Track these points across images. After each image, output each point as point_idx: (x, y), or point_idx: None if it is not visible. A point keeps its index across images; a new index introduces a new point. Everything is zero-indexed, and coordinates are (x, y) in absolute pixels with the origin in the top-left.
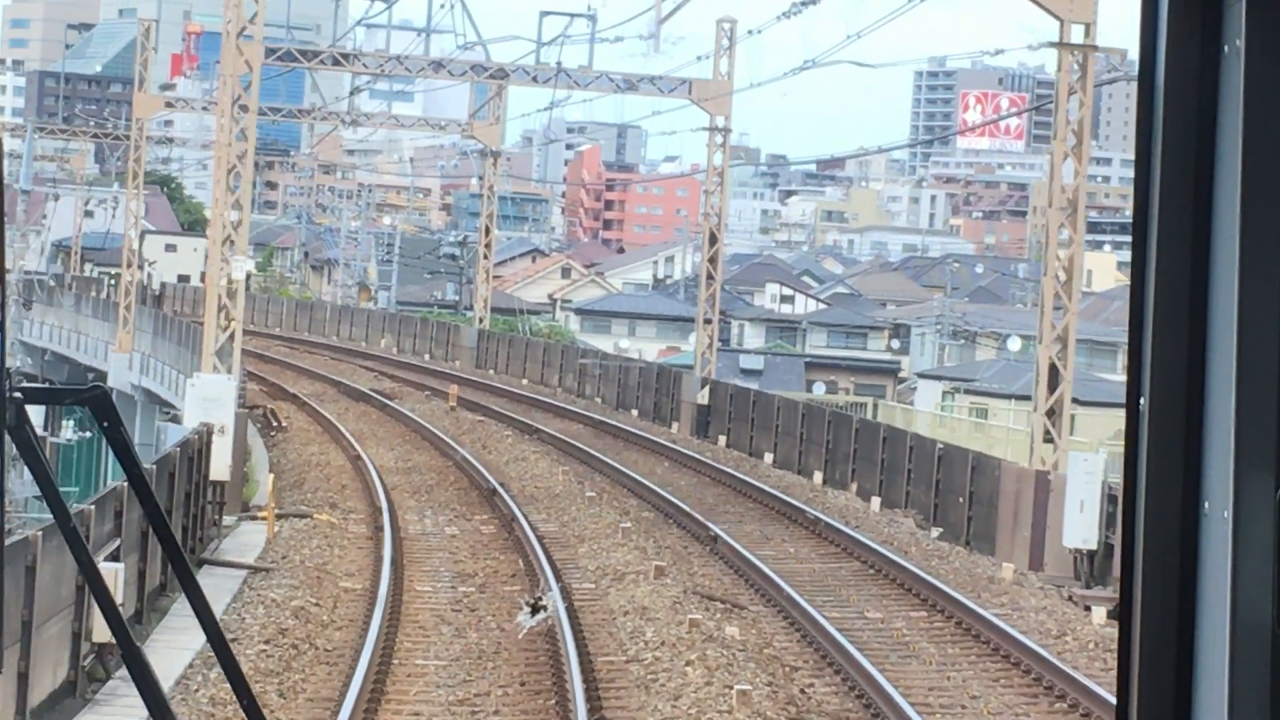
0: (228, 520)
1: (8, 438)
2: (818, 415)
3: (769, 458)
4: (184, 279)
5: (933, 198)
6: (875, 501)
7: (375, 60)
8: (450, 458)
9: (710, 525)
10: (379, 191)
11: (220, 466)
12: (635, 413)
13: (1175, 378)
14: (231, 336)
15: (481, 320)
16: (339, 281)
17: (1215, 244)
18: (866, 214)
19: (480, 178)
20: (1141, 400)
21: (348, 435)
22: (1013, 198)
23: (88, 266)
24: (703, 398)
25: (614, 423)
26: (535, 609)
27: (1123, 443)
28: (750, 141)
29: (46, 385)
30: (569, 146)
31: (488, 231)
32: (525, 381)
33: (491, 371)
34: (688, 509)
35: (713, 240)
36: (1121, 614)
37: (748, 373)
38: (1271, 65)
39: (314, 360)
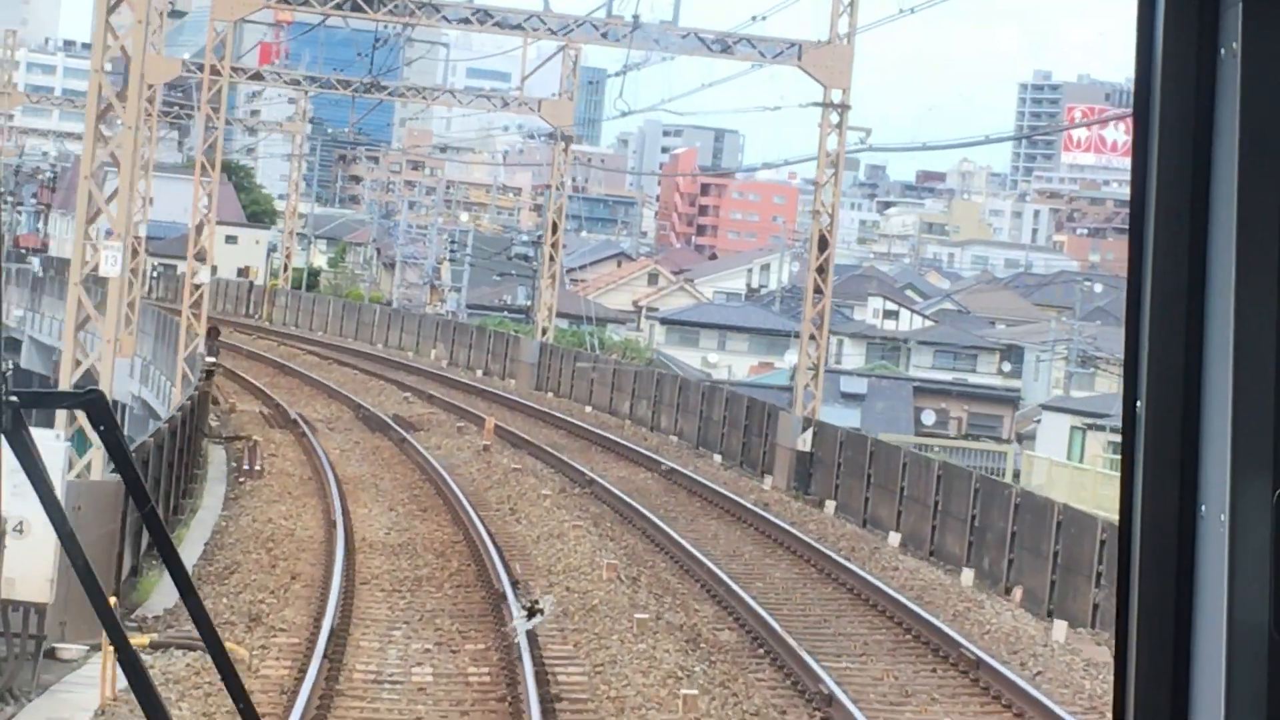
0: (72, 651)
1: (4, 442)
2: (959, 480)
3: (894, 537)
4: (243, 273)
5: (1036, 213)
6: (1059, 628)
7: (404, 5)
8: (462, 527)
9: (819, 673)
10: (466, 189)
11: (30, 580)
12: (719, 458)
13: (1172, 381)
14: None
15: (545, 332)
16: (400, 281)
17: (1212, 247)
18: (968, 227)
19: (550, 165)
20: (1138, 403)
21: (338, 487)
22: (1119, 214)
23: (143, 256)
24: (804, 443)
25: (690, 473)
26: (532, 612)
27: None
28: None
29: (43, 389)
30: (664, 150)
31: (555, 228)
32: (589, 410)
33: (550, 395)
34: (783, 632)
35: (823, 245)
36: (1118, 616)
37: (850, 397)
38: (1268, 68)
39: (341, 375)
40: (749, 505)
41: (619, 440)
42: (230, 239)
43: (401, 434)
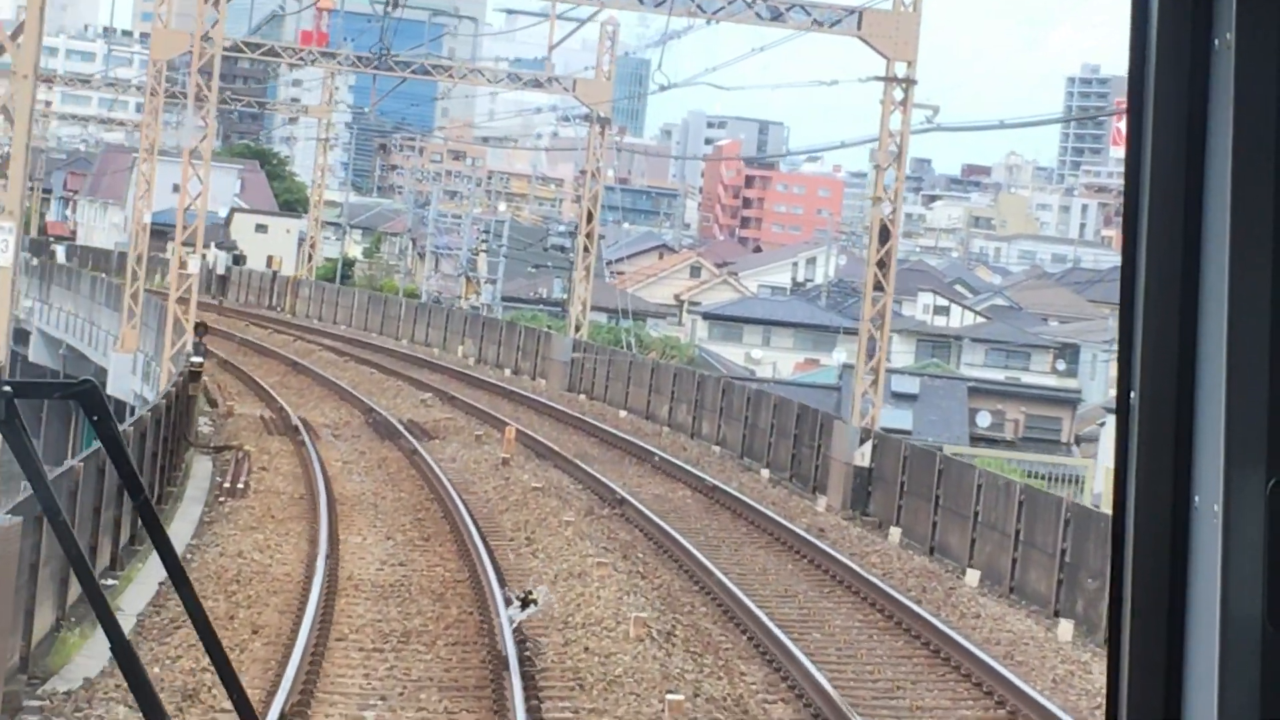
0: None
1: None
2: (1045, 509)
3: (972, 575)
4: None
5: (1084, 207)
6: None
7: None
8: (468, 561)
9: None
10: (507, 179)
11: None
12: (766, 472)
13: (1166, 371)
14: None
15: (579, 329)
16: (429, 273)
17: (1206, 237)
18: (1015, 221)
19: (585, 147)
20: (1132, 394)
21: (331, 509)
22: None
23: (169, 246)
24: (863, 457)
25: (734, 490)
26: (525, 603)
27: None
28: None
29: (37, 379)
30: (708, 141)
31: (590, 217)
32: (625, 414)
33: (583, 398)
34: (846, 709)
35: (884, 236)
36: (1111, 608)
37: (901, 397)
38: (1261, 60)
39: (357, 374)
40: (801, 532)
41: (655, 450)
42: (260, 228)
43: (413, 443)
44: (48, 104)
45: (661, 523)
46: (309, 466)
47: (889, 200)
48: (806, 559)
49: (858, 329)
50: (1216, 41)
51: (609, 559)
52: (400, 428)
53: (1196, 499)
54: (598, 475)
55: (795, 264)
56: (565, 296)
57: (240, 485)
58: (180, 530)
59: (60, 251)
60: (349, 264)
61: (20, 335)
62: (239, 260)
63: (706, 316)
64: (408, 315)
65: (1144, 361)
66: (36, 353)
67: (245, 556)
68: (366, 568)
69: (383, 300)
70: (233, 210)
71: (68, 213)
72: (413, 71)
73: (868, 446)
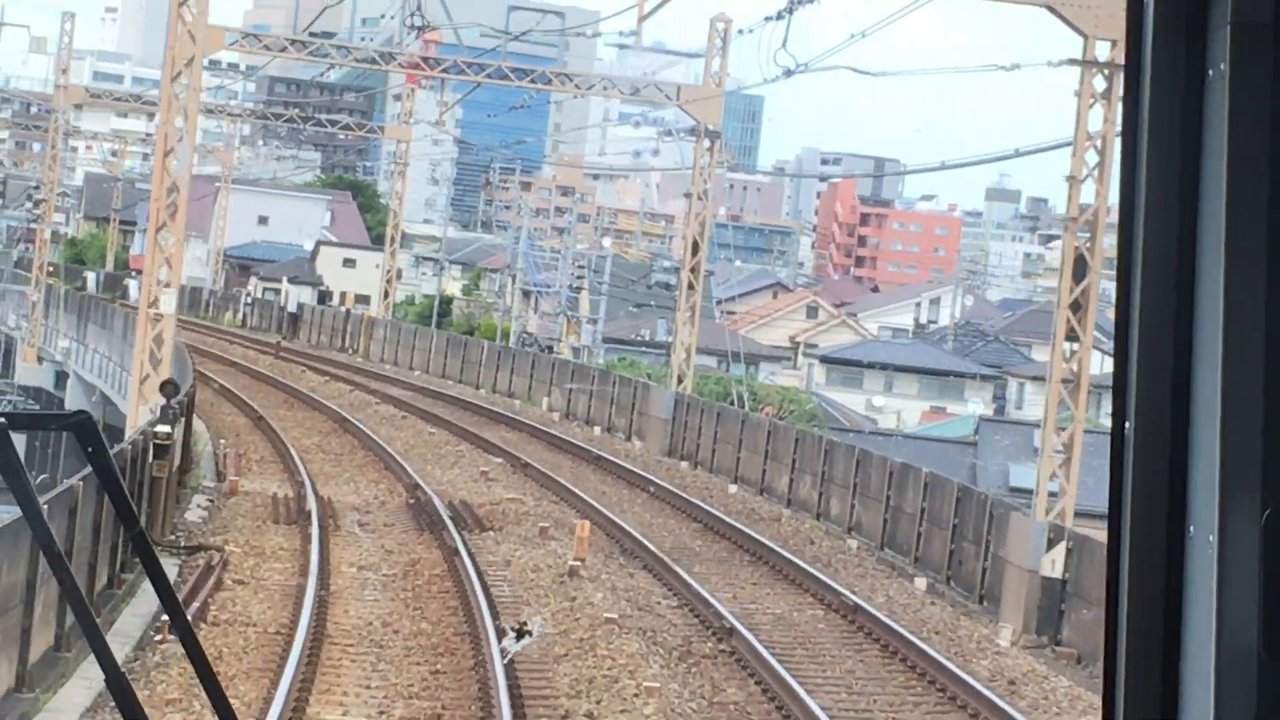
0: None
1: None
2: None
3: None
4: (363, 300)
5: None
6: None
7: None
8: None
9: None
10: (615, 215)
11: None
12: (921, 580)
13: (1160, 401)
14: None
15: (681, 380)
16: (515, 311)
17: (1200, 267)
18: None
19: (693, 167)
20: (1127, 424)
21: (308, 659)
22: None
23: (253, 281)
24: (1052, 565)
25: (882, 615)
26: (520, 634)
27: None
28: (1011, 183)
29: (32, 411)
30: (822, 179)
31: (696, 249)
32: (735, 489)
33: (685, 465)
34: None
35: (1080, 270)
36: (1107, 638)
37: None
38: (1255, 90)
39: (413, 436)
40: (983, 689)
41: (774, 545)
42: (348, 262)
43: (458, 538)
44: (144, 136)
45: (784, 671)
46: (307, 576)
47: (1085, 224)
48: None
49: (989, 375)
50: (1211, 71)
51: None
52: (447, 513)
53: (1192, 529)
54: (698, 586)
55: (918, 304)
56: (669, 339)
57: (192, 625)
58: (61, 709)
59: (132, 287)
60: (446, 302)
61: (61, 378)
62: (324, 297)
63: (824, 360)
64: (489, 360)
65: (1139, 392)
66: (74, 398)
67: None
68: None
69: (462, 344)
70: (319, 243)
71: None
72: (487, 76)
73: (1059, 551)
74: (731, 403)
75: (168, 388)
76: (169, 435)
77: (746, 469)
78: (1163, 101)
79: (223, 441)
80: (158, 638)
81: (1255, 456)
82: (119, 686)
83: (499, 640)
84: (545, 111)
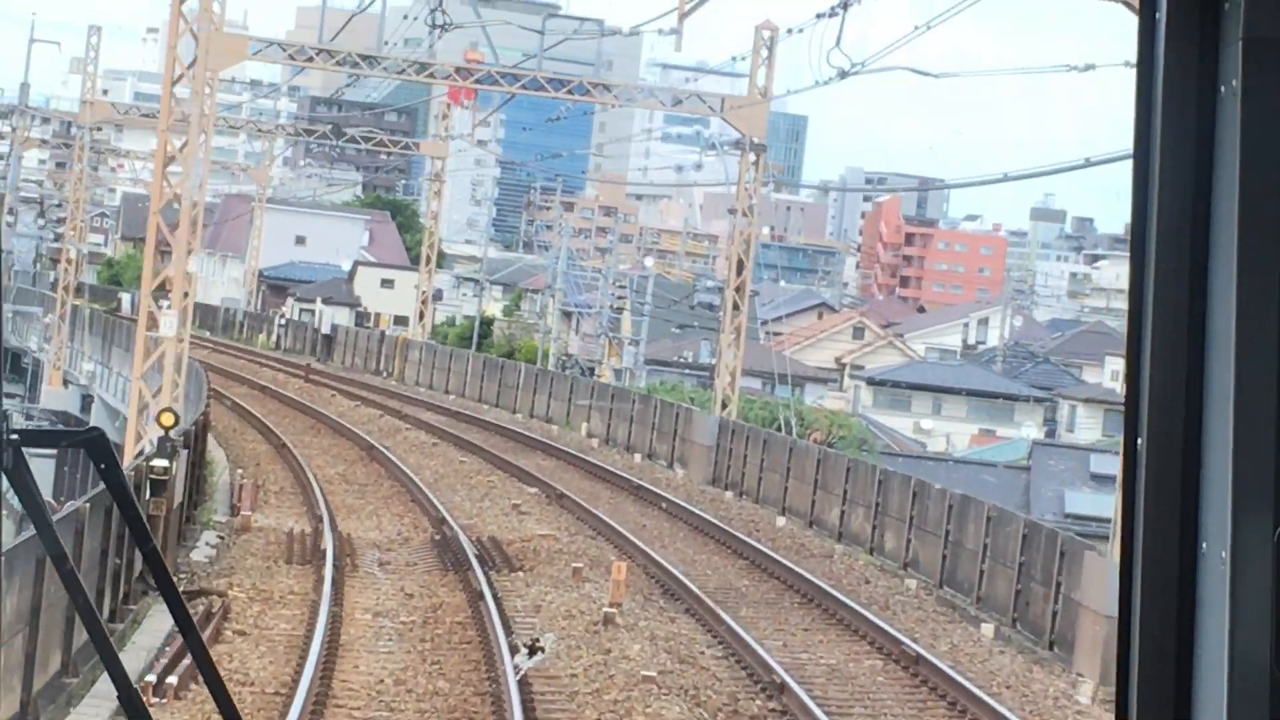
0: None
1: (5, 480)
2: None
3: None
4: (401, 321)
5: None
6: None
7: None
8: None
9: None
10: (658, 235)
11: None
12: (988, 627)
13: (1173, 419)
14: None
15: (726, 405)
16: (554, 333)
17: (1212, 283)
18: None
19: (739, 184)
20: (1139, 440)
21: None
22: None
23: (289, 302)
24: None
25: (946, 667)
26: (533, 650)
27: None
28: (1055, 203)
29: (45, 428)
30: (866, 198)
31: (741, 267)
32: (783, 521)
33: (730, 494)
34: None
35: None
36: (1119, 654)
37: (1102, 479)
38: (1268, 106)
39: (442, 465)
40: None
41: (825, 585)
42: (386, 283)
43: (484, 579)
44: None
45: None
46: (313, 624)
47: None
48: None
49: (1041, 397)
50: (1223, 88)
51: None
52: (474, 551)
53: (1204, 545)
54: (744, 634)
55: (966, 324)
56: (713, 361)
57: (172, 679)
58: None
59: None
60: (487, 323)
61: (87, 402)
62: (361, 318)
63: (871, 382)
64: (527, 383)
65: (1151, 409)
66: (98, 423)
67: None
68: None
69: (499, 366)
70: (356, 264)
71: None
72: (522, 87)
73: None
74: (778, 428)
75: (166, 415)
76: (166, 469)
77: (795, 499)
78: (1175, 118)
79: (240, 471)
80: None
81: (1267, 474)
82: (131, 702)
83: (511, 656)
84: (588, 128)
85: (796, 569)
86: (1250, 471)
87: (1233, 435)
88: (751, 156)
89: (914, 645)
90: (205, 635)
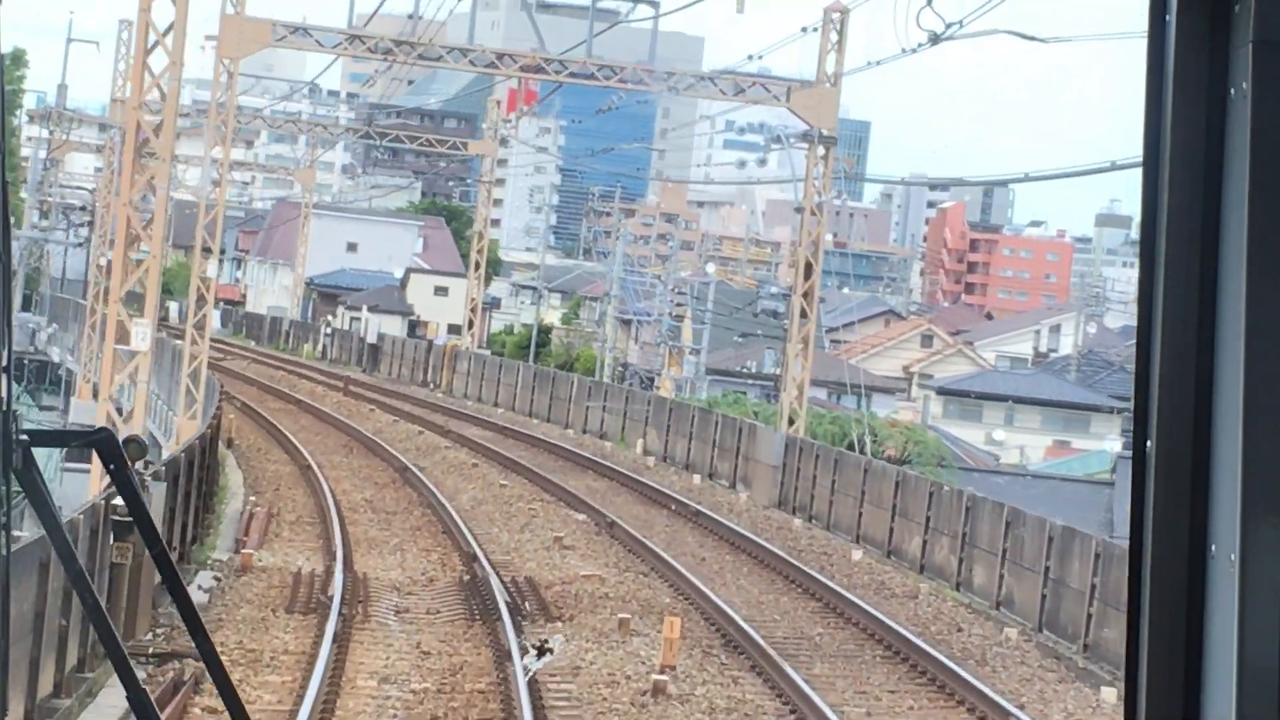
0: None
1: (15, 481)
2: None
3: None
4: (455, 329)
5: None
6: None
7: None
8: None
9: None
10: (720, 242)
11: None
12: (1109, 692)
13: (1182, 420)
14: None
15: (793, 421)
16: (610, 344)
17: (1222, 287)
18: None
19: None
20: (1149, 443)
21: None
22: None
23: (339, 310)
24: None
25: None
26: (542, 651)
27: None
28: (1121, 209)
29: (54, 428)
30: (930, 204)
31: (810, 271)
32: (859, 554)
33: (799, 521)
34: None
35: None
36: (1128, 657)
37: None
38: (1277, 108)
39: (482, 489)
40: None
41: (913, 636)
42: (440, 290)
43: (513, 632)
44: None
45: None
46: (303, 696)
47: None
48: None
49: (1122, 408)
50: (1233, 90)
51: None
52: (505, 596)
53: (1213, 548)
54: (820, 699)
55: (1037, 332)
56: (777, 372)
57: None
58: None
59: (214, 318)
60: (545, 331)
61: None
62: (414, 326)
63: (942, 392)
64: (579, 396)
65: (1161, 412)
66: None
67: None
68: None
69: (550, 378)
70: (409, 271)
71: (239, 274)
72: (570, 75)
73: None
74: (849, 446)
75: (132, 447)
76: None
77: (870, 526)
78: (1184, 120)
79: (252, 499)
80: None
81: (1277, 476)
82: (140, 704)
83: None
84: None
85: (876, 614)
86: (1260, 474)
87: (1242, 438)
88: (820, 150)
89: (1023, 718)
90: (166, 714)
